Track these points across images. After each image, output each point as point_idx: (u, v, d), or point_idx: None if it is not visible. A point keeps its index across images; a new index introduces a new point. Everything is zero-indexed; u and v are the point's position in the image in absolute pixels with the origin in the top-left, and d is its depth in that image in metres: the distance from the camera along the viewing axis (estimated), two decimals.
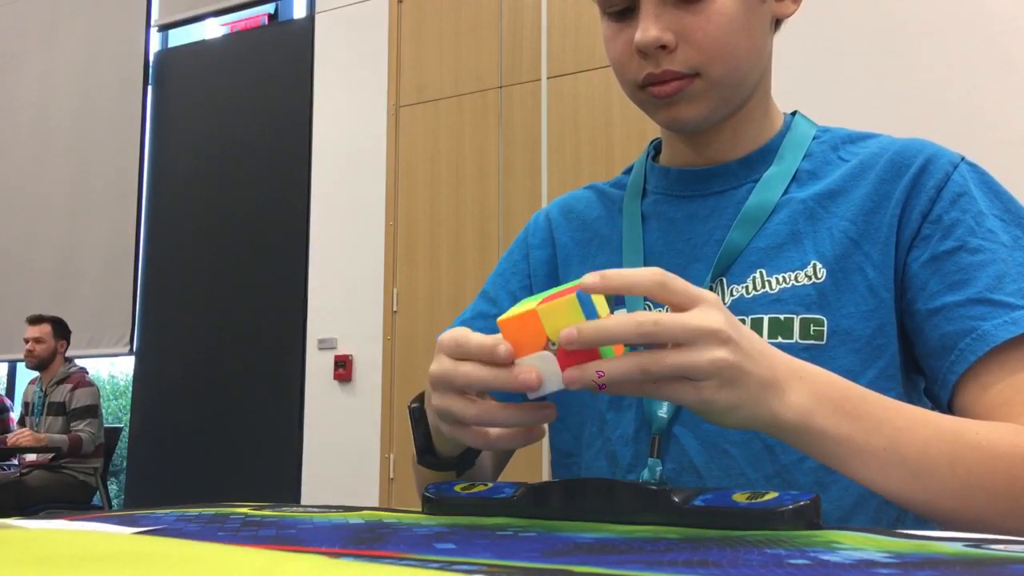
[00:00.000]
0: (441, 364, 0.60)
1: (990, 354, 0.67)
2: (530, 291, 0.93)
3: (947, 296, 0.71)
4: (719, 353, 0.54)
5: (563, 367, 0.55)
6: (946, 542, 0.44)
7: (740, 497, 0.53)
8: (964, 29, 2.72)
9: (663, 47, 0.74)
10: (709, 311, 0.55)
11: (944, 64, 2.74)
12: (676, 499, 0.54)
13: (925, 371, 0.74)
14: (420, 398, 0.74)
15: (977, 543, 0.43)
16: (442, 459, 0.73)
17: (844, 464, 0.60)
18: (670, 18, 0.74)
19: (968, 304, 0.70)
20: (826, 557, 0.39)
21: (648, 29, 0.73)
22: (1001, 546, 0.42)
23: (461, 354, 0.58)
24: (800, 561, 0.39)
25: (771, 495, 0.53)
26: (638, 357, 0.54)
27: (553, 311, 0.56)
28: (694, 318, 0.54)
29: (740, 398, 0.56)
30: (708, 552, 0.42)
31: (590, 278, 0.55)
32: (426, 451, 0.73)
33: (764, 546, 0.43)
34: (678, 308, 0.56)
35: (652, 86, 0.76)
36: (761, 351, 0.58)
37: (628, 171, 0.93)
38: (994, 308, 0.68)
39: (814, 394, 0.59)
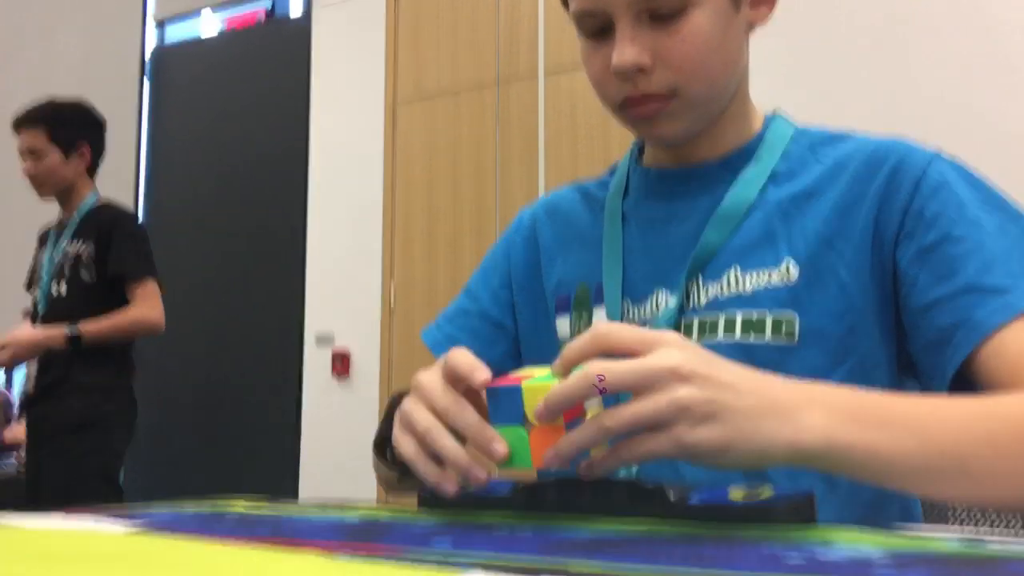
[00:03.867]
0: (432, 384, 0.59)
1: (986, 342, 0.66)
2: (509, 288, 0.94)
3: (937, 289, 0.70)
4: (680, 391, 0.51)
5: (538, 448, 0.54)
6: (942, 539, 0.44)
7: (736, 494, 0.54)
8: (961, 29, 2.72)
9: (640, 69, 0.74)
10: (666, 351, 0.52)
11: (941, 64, 2.73)
12: (672, 496, 0.54)
13: (922, 367, 0.73)
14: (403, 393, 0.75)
15: (973, 541, 0.43)
16: (392, 459, 0.72)
17: (884, 475, 0.56)
18: (646, 40, 0.73)
19: (958, 295, 0.69)
20: (822, 554, 0.39)
21: (624, 53, 0.73)
22: (997, 544, 0.42)
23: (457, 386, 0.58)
24: (796, 558, 0.39)
25: (767, 493, 0.53)
26: (595, 419, 0.52)
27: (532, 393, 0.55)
28: (646, 360, 0.51)
29: (726, 434, 0.51)
30: (704, 549, 0.42)
31: (540, 409, 0.53)
32: (382, 444, 0.73)
33: (760, 543, 0.43)
34: (634, 355, 0.53)
35: (632, 106, 0.77)
36: (751, 383, 0.54)
37: (613, 171, 0.94)
38: (984, 295, 0.67)
39: (829, 411, 0.55)
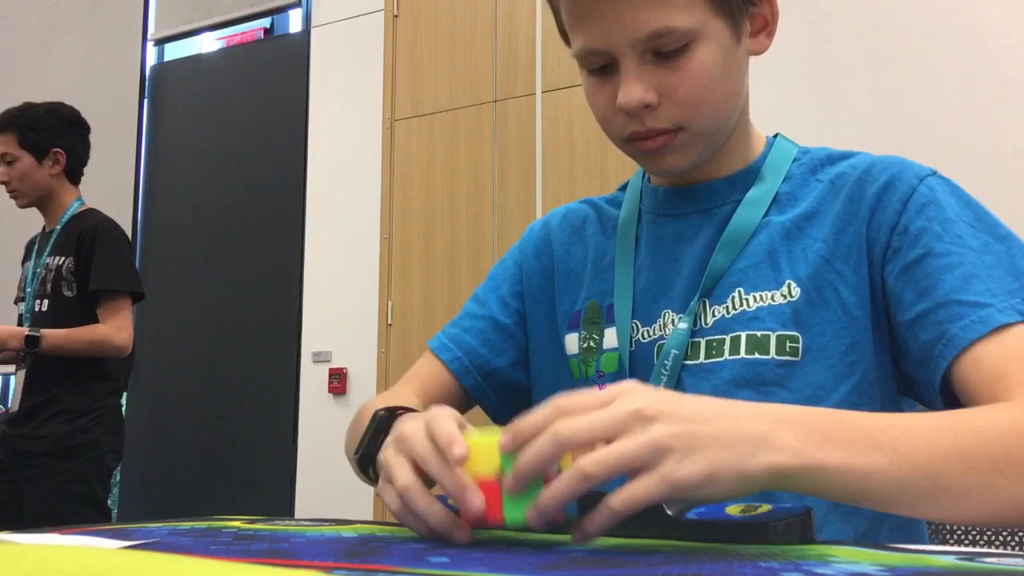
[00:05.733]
0: (413, 436, 0.57)
1: (963, 355, 0.66)
2: (520, 300, 0.94)
3: (919, 305, 0.71)
4: (653, 430, 0.50)
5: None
6: (939, 555, 0.44)
7: (733, 510, 0.53)
8: (958, 44, 2.74)
9: (647, 106, 0.74)
10: (627, 398, 0.52)
11: (937, 80, 2.75)
12: (670, 512, 0.54)
13: (917, 382, 0.74)
14: (390, 410, 0.72)
15: (970, 556, 0.43)
16: (375, 476, 0.70)
17: (858, 493, 0.55)
18: (651, 77, 0.74)
19: (936, 309, 0.69)
20: (819, 571, 0.39)
21: (630, 91, 0.73)
22: (994, 559, 0.42)
23: (429, 433, 0.56)
24: (793, 574, 0.39)
25: (764, 508, 0.53)
26: (575, 467, 0.50)
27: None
28: (611, 408, 0.51)
29: (709, 464, 0.50)
30: (701, 565, 0.42)
31: (504, 438, 0.52)
32: (368, 459, 0.70)
33: (757, 559, 0.43)
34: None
35: (638, 141, 0.77)
36: (716, 410, 0.53)
37: (623, 188, 0.94)
38: (961, 308, 0.68)
39: (799, 431, 0.54)
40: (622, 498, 0.50)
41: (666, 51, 0.73)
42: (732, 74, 0.77)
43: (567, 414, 0.51)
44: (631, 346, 0.82)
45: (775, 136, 0.88)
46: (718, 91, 0.76)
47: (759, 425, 0.53)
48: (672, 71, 0.74)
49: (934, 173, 0.78)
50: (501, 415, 0.93)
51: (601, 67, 0.77)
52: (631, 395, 0.52)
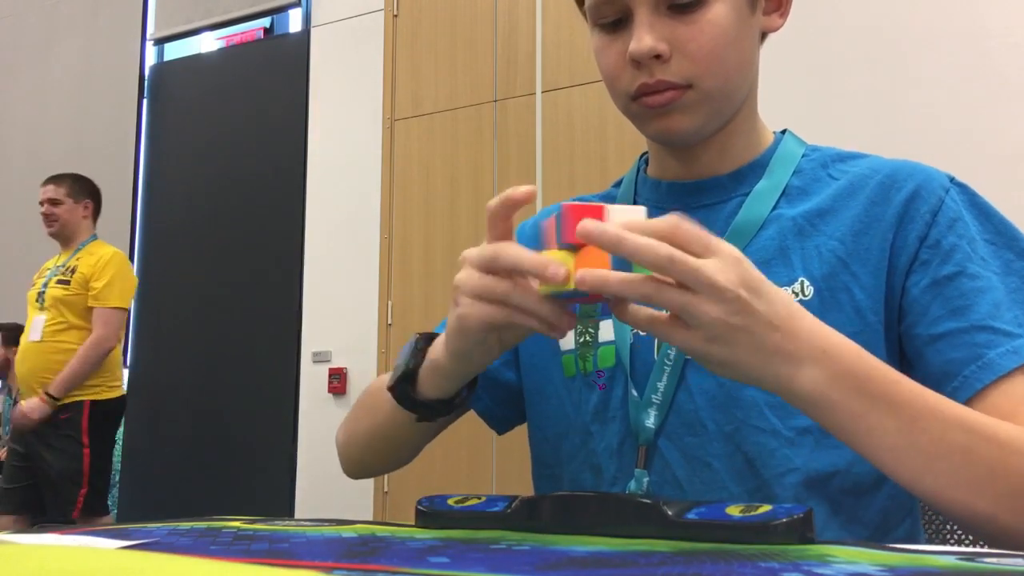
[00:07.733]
0: (471, 255, 0.67)
1: (996, 382, 0.68)
2: None
3: (950, 322, 0.71)
4: (715, 311, 0.55)
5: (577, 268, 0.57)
6: (939, 555, 0.44)
7: (733, 510, 0.53)
8: (957, 44, 2.74)
9: (657, 56, 0.74)
10: (727, 267, 0.56)
11: (937, 79, 2.75)
12: (670, 512, 0.54)
13: None
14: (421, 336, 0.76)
15: (970, 556, 0.43)
16: (418, 397, 0.73)
17: (855, 440, 0.61)
18: (664, 28, 0.74)
19: (971, 331, 0.70)
20: (819, 571, 0.39)
21: (642, 38, 0.73)
22: (994, 559, 0.42)
23: (496, 267, 0.64)
24: (793, 574, 0.39)
25: (764, 508, 0.53)
26: (645, 283, 0.56)
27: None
28: (709, 268, 0.55)
29: (733, 357, 0.57)
30: (702, 566, 0.42)
31: (590, 228, 0.56)
32: (407, 379, 0.73)
33: (757, 560, 0.43)
34: (693, 254, 0.56)
35: (646, 96, 0.76)
36: (782, 319, 0.58)
37: (618, 184, 0.93)
38: (996, 336, 0.69)
39: (835, 370, 0.59)
40: (664, 326, 0.58)
41: (680, 3, 0.73)
42: (745, 41, 0.77)
43: (677, 240, 0.56)
44: (631, 339, 0.80)
45: (783, 132, 0.87)
46: (730, 51, 0.75)
47: (801, 351, 0.58)
48: (685, 24, 0.74)
49: (952, 179, 0.78)
50: (493, 415, 0.92)
51: (612, 23, 0.76)
52: (728, 268, 0.56)
